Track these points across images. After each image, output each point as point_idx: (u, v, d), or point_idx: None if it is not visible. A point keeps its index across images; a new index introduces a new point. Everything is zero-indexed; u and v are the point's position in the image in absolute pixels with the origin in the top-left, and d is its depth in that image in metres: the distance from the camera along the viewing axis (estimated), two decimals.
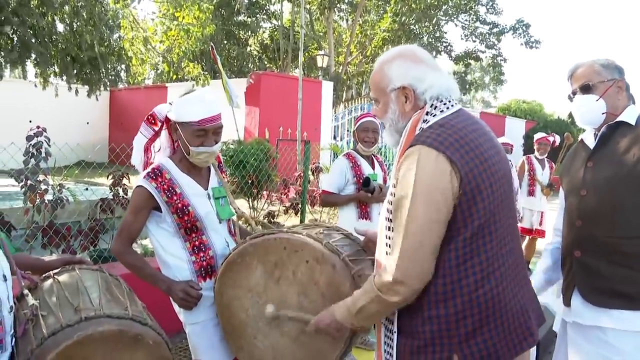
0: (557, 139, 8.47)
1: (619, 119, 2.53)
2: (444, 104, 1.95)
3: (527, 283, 2.02)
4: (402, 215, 1.80)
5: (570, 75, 2.73)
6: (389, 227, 1.91)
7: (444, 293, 1.83)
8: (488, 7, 31.31)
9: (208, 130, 2.58)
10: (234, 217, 2.88)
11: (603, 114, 2.57)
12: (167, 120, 2.74)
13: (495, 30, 31.58)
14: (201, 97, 2.62)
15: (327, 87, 20.15)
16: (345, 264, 2.25)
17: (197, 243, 2.64)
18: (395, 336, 1.95)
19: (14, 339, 1.91)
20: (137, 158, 2.76)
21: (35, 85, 14.03)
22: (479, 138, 1.88)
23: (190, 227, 2.61)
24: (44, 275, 2.28)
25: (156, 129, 2.74)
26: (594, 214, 2.52)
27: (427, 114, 1.93)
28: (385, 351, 2.00)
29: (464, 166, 1.78)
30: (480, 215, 1.81)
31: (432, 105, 1.94)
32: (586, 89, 2.61)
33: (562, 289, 2.72)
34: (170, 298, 2.63)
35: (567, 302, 2.65)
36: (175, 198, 2.58)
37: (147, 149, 2.77)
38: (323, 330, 2.13)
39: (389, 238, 1.90)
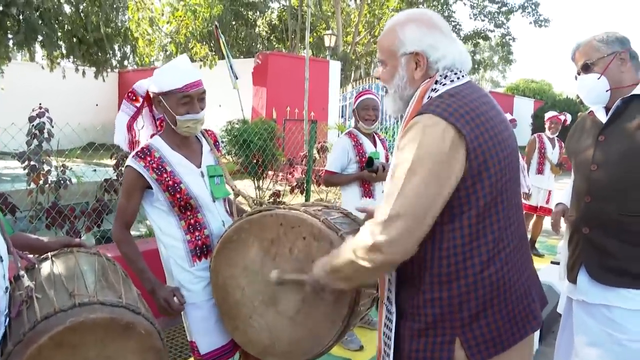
0: (569, 118, 8.36)
1: (635, 91, 2.45)
2: (455, 74, 1.85)
3: (530, 264, 1.96)
4: (397, 181, 1.70)
5: (573, 55, 2.66)
6: None
7: (447, 274, 1.76)
8: None
9: (193, 96, 2.53)
10: (231, 197, 2.83)
11: (607, 91, 2.50)
12: (147, 97, 2.69)
13: (504, 9, 31.49)
14: (181, 65, 2.58)
15: (335, 67, 20.05)
16: (343, 241, 2.14)
17: (192, 221, 2.60)
18: (394, 317, 1.88)
19: (7, 319, 1.91)
20: (120, 137, 2.71)
21: (43, 67, 14.07)
22: (489, 111, 1.79)
23: (184, 205, 2.57)
24: (42, 257, 2.26)
25: (138, 105, 2.69)
26: (604, 190, 2.45)
27: (436, 82, 1.84)
28: (384, 334, 1.94)
29: (472, 140, 1.69)
30: (486, 193, 1.72)
31: (442, 74, 1.85)
32: (586, 68, 2.56)
33: (568, 265, 2.67)
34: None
35: (572, 279, 2.60)
36: (165, 176, 2.54)
37: (130, 127, 2.72)
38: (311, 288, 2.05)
39: None
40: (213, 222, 2.65)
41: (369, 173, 4.30)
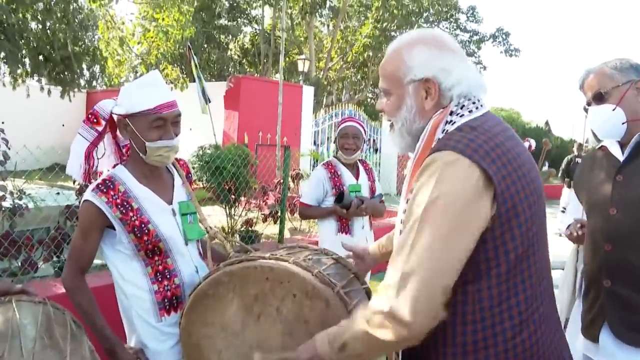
0: (533, 143, 8.28)
1: None
2: (473, 103, 1.58)
3: (559, 324, 1.69)
4: (410, 231, 1.42)
5: (582, 84, 2.43)
6: None
7: (474, 343, 1.47)
8: (468, 15, 31.95)
9: (167, 119, 2.18)
10: (205, 237, 2.45)
11: (623, 123, 2.27)
12: (111, 120, 2.32)
13: (475, 38, 32.17)
14: (154, 82, 2.23)
15: (308, 92, 19.88)
16: (340, 299, 1.84)
17: (160, 268, 2.24)
18: None
19: None
20: (74, 166, 2.31)
21: (4, 85, 13.58)
22: (515, 147, 1.53)
23: (151, 249, 2.21)
24: None
25: (100, 129, 2.30)
26: (627, 237, 2.18)
27: (451, 113, 1.57)
28: None
29: (500, 182, 1.42)
30: (517, 245, 1.45)
31: (458, 104, 1.58)
32: (599, 98, 2.32)
33: (586, 321, 2.39)
34: None
35: (593, 337, 2.31)
36: (131, 214, 2.18)
37: (88, 155, 2.31)
38: None
39: None
40: (185, 268, 2.29)
41: (341, 209, 4.00)
